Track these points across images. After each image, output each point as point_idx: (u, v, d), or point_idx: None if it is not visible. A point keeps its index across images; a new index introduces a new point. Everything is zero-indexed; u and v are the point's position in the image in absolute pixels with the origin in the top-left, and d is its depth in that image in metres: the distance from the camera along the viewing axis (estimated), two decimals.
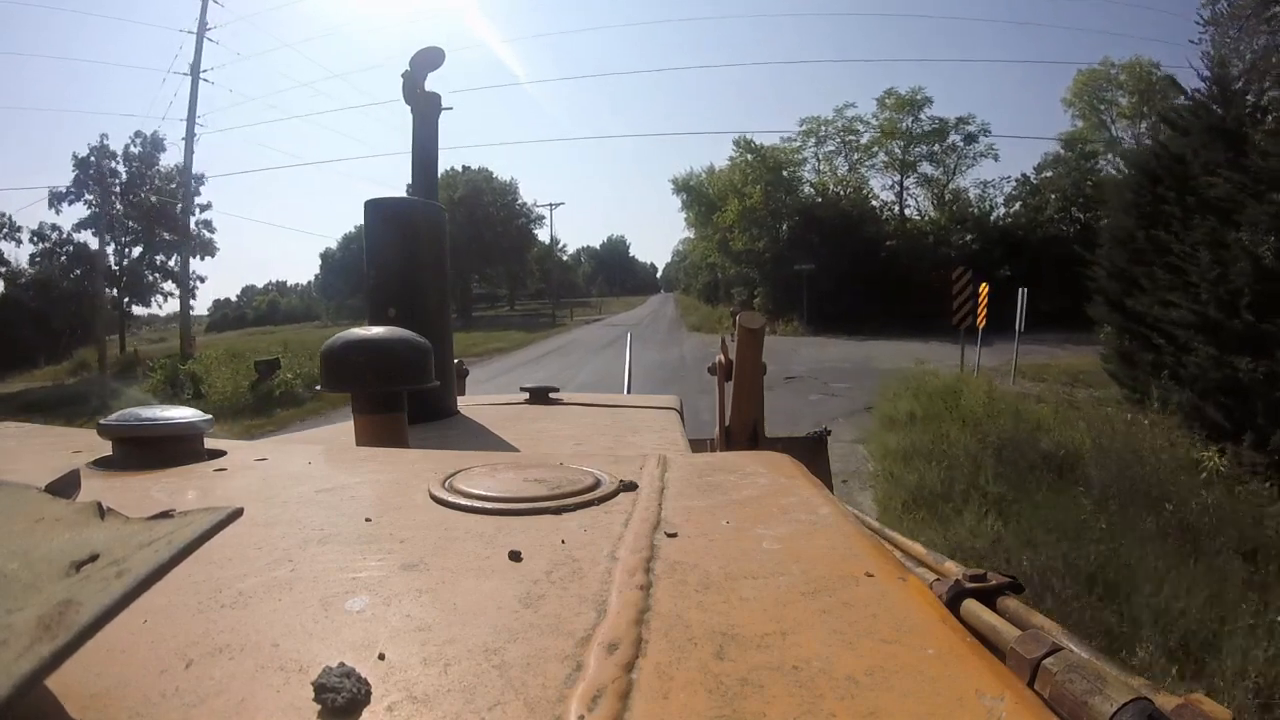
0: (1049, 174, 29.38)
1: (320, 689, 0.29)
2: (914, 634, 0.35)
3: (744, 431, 1.39)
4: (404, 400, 1.07)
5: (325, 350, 1.03)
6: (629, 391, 3.05)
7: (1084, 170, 28.39)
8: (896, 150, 30.26)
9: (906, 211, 30.70)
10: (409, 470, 0.67)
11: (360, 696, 0.29)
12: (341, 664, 0.30)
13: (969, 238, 27.64)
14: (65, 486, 0.41)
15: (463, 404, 1.82)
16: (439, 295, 1.64)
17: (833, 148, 30.32)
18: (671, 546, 0.46)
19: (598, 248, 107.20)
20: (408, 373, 1.04)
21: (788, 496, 0.57)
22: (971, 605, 0.55)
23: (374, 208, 1.60)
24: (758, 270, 28.97)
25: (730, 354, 1.38)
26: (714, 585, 0.40)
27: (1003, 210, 29.56)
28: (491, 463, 0.68)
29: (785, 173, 29.21)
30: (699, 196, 32.76)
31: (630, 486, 0.59)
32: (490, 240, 43.85)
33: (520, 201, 47.84)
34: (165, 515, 0.32)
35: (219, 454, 0.73)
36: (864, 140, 30.31)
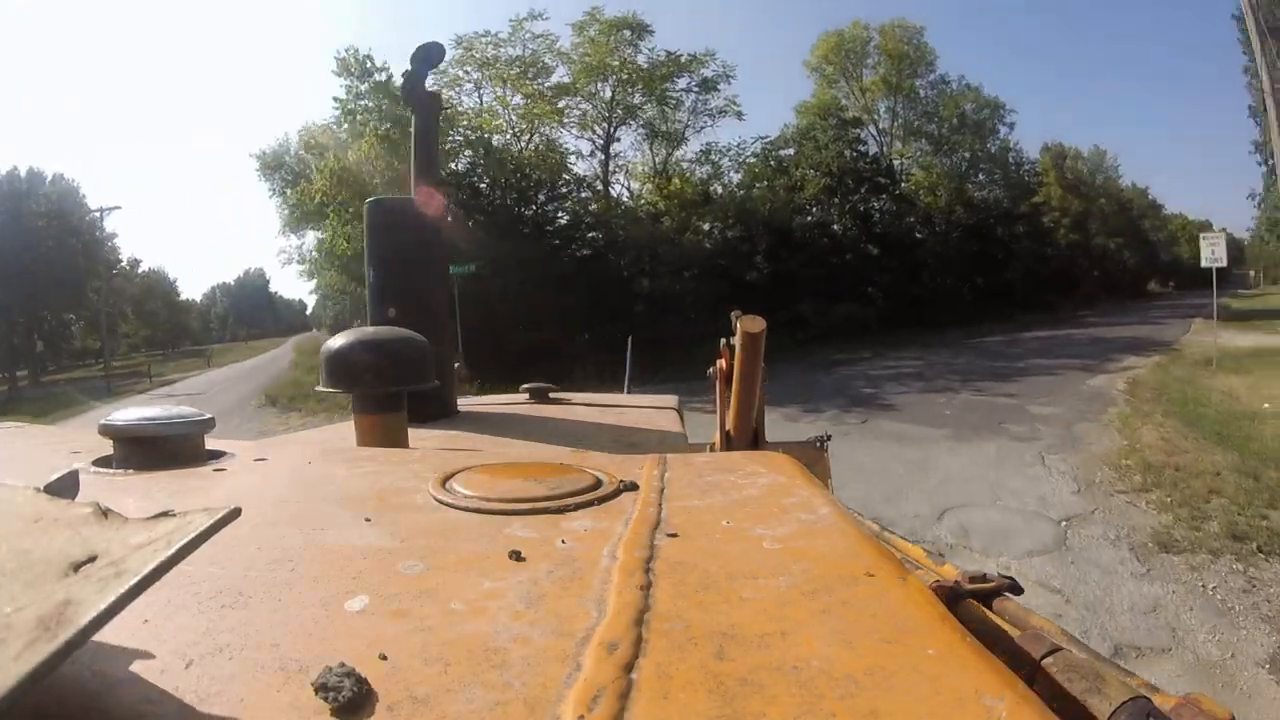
0: (790, 150, 22.71)
1: (320, 688, 0.29)
2: (914, 634, 0.35)
3: (744, 436, 1.39)
4: (404, 400, 1.07)
5: (325, 350, 1.03)
6: (627, 392, 3.05)
7: (847, 141, 22.52)
8: (603, 96, 19.37)
9: (614, 189, 20.49)
10: (409, 470, 0.67)
11: (361, 696, 0.29)
12: (342, 664, 0.30)
13: (711, 225, 19.02)
14: (64, 486, 0.41)
15: (463, 404, 1.82)
16: (439, 295, 1.64)
17: (515, 72, 18.24)
18: (671, 546, 0.46)
19: (232, 284, 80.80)
20: (408, 373, 1.04)
21: (788, 496, 0.57)
22: (970, 605, 0.55)
23: (374, 208, 1.60)
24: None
25: (730, 358, 1.39)
26: (714, 585, 0.40)
27: (741, 189, 21.29)
28: (491, 463, 0.68)
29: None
30: (296, 180, 18.72)
31: (630, 487, 0.59)
32: (31, 266, 26.65)
33: (88, 213, 29.67)
34: (164, 515, 0.32)
35: (219, 454, 0.73)
36: (557, 76, 18.86)
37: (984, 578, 0.65)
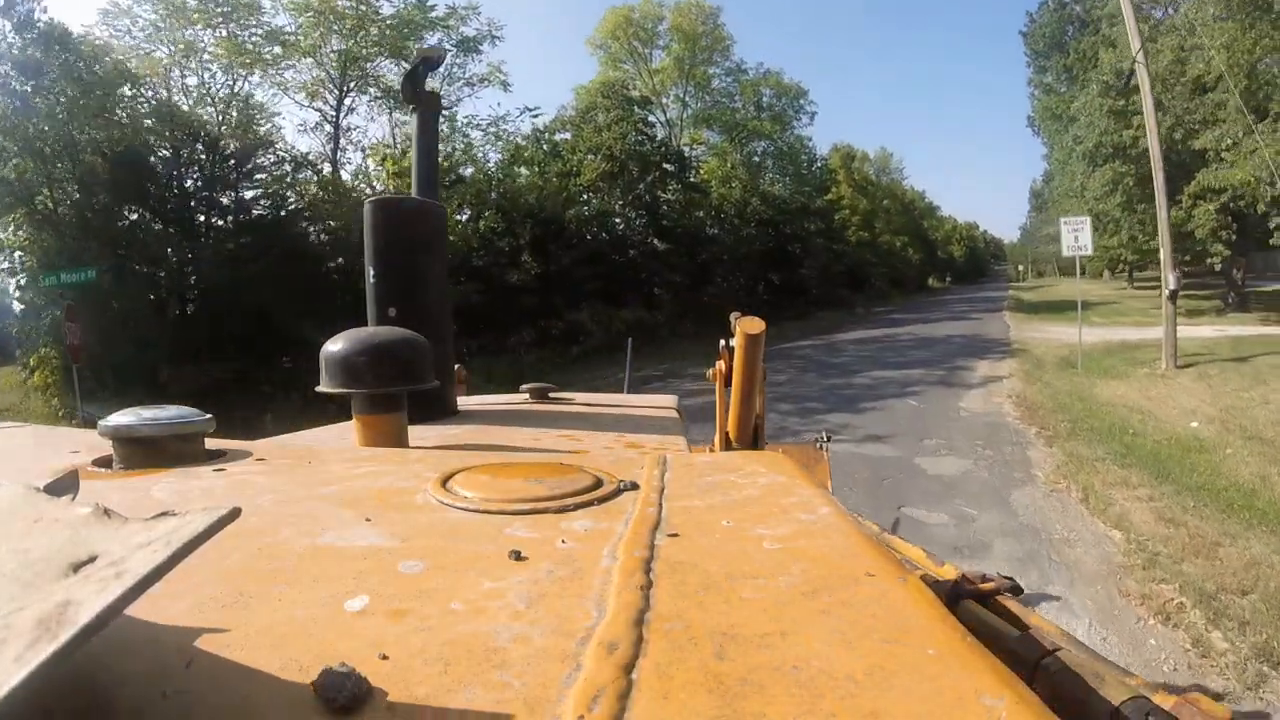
0: (566, 135, 19.44)
1: (321, 688, 0.29)
2: (914, 634, 0.35)
3: (744, 437, 1.39)
4: (404, 400, 1.07)
5: (325, 350, 1.03)
6: (626, 392, 3.06)
7: (632, 122, 19.52)
8: (330, 49, 14.78)
9: (346, 172, 15.79)
10: (409, 470, 0.67)
11: (361, 696, 0.29)
12: (342, 664, 0.30)
13: (468, 217, 15.19)
14: (64, 486, 0.41)
15: (463, 404, 1.82)
16: (439, 295, 1.64)
17: (215, 9, 13.17)
18: (672, 546, 0.46)
19: None
20: (408, 373, 1.04)
21: (788, 496, 0.57)
22: (970, 605, 0.55)
23: (374, 207, 1.60)
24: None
25: (729, 360, 1.39)
26: (714, 585, 0.40)
27: (502, 171, 17.49)
28: (492, 462, 0.68)
29: (75, 60, 11.23)
30: None
31: (631, 486, 0.59)
32: None
33: None
34: (164, 515, 0.32)
35: (219, 454, 0.73)
36: (276, 25, 14.11)
37: (984, 578, 0.65)
